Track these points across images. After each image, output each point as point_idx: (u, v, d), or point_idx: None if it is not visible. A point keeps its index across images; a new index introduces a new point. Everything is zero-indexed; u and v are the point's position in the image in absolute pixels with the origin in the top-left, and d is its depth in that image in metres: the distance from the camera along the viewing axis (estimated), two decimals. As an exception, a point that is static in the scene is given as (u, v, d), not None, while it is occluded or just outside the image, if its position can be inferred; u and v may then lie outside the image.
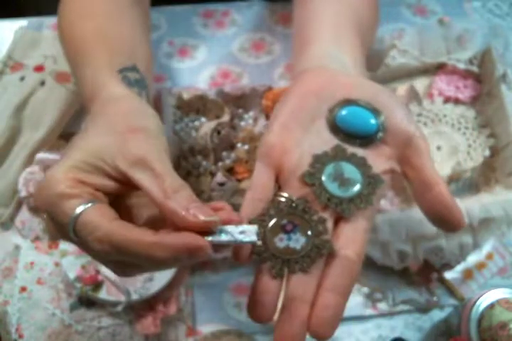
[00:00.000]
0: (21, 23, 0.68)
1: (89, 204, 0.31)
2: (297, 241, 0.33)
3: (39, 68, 0.63)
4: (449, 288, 0.58)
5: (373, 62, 0.62)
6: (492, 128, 0.61)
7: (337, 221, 0.35)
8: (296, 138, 0.36)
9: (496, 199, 0.54)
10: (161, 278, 0.53)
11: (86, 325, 0.52)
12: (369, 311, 0.57)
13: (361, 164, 0.35)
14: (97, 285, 0.52)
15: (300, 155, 0.36)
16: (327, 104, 0.37)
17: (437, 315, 0.58)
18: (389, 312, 0.57)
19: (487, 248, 0.60)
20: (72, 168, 0.32)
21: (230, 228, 0.31)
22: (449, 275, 0.58)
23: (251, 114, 0.62)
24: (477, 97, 0.63)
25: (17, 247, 0.56)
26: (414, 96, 0.63)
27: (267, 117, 0.61)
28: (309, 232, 0.33)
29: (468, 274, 0.59)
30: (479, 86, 0.63)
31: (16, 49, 0.65)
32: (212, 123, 0.59)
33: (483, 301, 0.52)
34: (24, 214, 0.57)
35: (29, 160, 0.59)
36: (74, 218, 0.31)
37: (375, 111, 0.37)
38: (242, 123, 0.61)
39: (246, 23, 0.73)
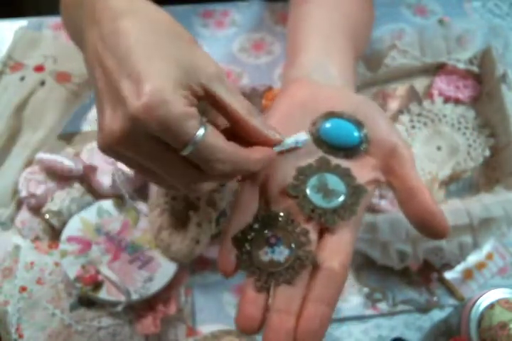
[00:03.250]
0: (21, 23, 0.68)
1: (207, 126, 0.31)
2: (281, 254, 0.34)
3: (39, 68, 0.63)
4: (449, 288, 0.58)
5: (373, 62, 0.62)
6: (492, 128, 0.61)
7: (321, 232, 0.35)
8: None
9: (496, 199, 0.54)
10: (161, 278, 0.54)
11: (86, 325, 0.52)
12: (369, 311, 0.57)
13: (345, 175, 0.36)
14: (97, 285, 0.52)
15: (284, 168, 0.36)
16: (311, 117, 0.38)
17: (437, 315, 0.58)
18: (389, 312, 0.57)
19: (487, 248, 0.60)
20: (177, 87, 0.30)
21: (289, 141, 0.36)
22: (449, 275, 0.58)
23: (251, 114, 0.62)
24: (477, 97, 0.63)
25: (17, 247, 0.56)
26: (414, 96, 0.63)
27: (267, 117, 0.61)
28: (292, 244, 0.34)
29: (468, 274, 0.59)
30: (479, 86, 0.63)
31: (16, 49, 0.65)
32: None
33: (483, 301, 0.52)
34: (24, 214, 0.57)
35: (29, 160, 0.59)
36: (199, 139, 0.30)
37: (358, 123, 0.37)
38: (242, 123, 0.61)
39: (246, 23, 0.73)
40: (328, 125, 0.37)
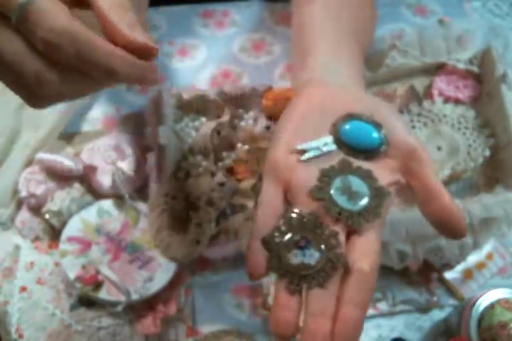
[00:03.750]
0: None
1: None
2: (311, 257, 0.33)
3: (39, 68, 0.63)
4: (449, 288, 0.58)
5: (373, 62, 0.62)
6: (492, 128, 0.61)
7: (348, 234, 0.35)
8: (301, 153, 0.36)
9: (496, 200, 0.54)
10: (161, 278, 0.54)
11: (86, 325, 0.52)
12: (369, 311, 0.57)
13: (367, 177, 0.36)
14: (97, 285, 0.52)
15: (307, 170, 0.36)
16: (330, 119, 0.38)
17: (437, 315, 0.58)
18: (389, 312, 0.57)
19: (487, 248, 0.60)
20: None
21: (313, 144, 0.35)
22: (449, 275, 0.58)
23: (251, 114, 0.62)
24: (477, 97, 0.63)
25: (17, 247, 0.56)
26: (414, 96, 0.63)
27: (267, 117, 0.61)
28: (322, 247, 0.33)
29: (468, 274, 0.59)
30: (479, 86, 0.63)
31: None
32: (212, 123, 0.58)
33: (483, 301, 0.52)
34: (24, 214, 0.57)
35: (29, 160, 0.59)
36: (24, 3, 0.26)
37: (377, 125, 0.37)
38: (242, 123, 0.61)
39: (246, 23, 0.73)
40: (347, 127, 0.37)
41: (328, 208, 0.34)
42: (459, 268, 0.59)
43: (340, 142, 0.37)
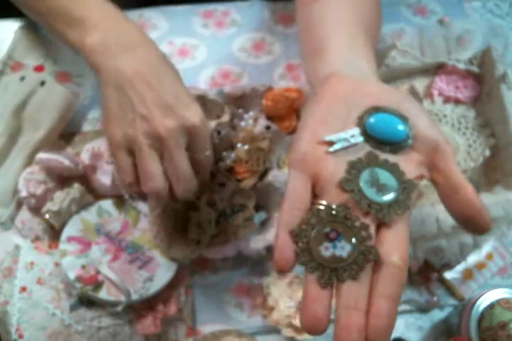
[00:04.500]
0: (21, 23, 0.68)
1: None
2: (343, 249, 0.33)
3: (39, 68, 0.63)
4: (449, 288, 0.58)
5: (373, 62, 0.62)
6: (492, 128, 0.61)
7: (377, 227, 0.35)
8: (329, 144, 0.36)
9: (496, 199, 0.54)
10: (161, 278, 0.54)
11: (86, 325, 0.52)
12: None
13: (394, 170, 0.36)
14: (97, 285, 0.52)
15: (335, 162, 0.36)
16: (355, 111, 0.38)
17: (437, 315, 0.58)
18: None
19: (487, 248, 0.60)
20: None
21: (341, 135, 0.36)
22: (449, 275, 0.58)
23: (251, 114, 0.62)
24: (477, 97, 0.63)
25: (17, 247, 0.56)
26: (414, 96, 0.63)
27: (267, 117, 0.61)
28: (353, 239, 0.33)
29: (468, 274, 0.59)
30: (479, 86, 0.63)
31: (16, 49, 0.65)
32: (213, 123, 0.59)
33: (483, 301, 0.52)
34: (24, 214, 0.57)
35: (29, 160, 0.59)
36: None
37: (403, 118, 0.37)
38: (242, 123, 0.61)
39: (246, 23, 0.73)
40: (374, 120, 0.37)
41: (358, 200, 0.34)
42: (459, 268, 0.59)
43: (366, 134, 0.37)
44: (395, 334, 0.56)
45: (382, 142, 0.37)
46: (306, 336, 0.53)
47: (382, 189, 0.35)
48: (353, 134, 0.36)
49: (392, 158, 0.36)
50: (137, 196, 0.58)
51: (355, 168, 0.35)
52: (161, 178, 0.46)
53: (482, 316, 0.51)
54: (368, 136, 0.37)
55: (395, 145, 0.37)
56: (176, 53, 0.70)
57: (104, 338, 0.52)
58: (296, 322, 0.53)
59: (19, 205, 0.58)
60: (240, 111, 0.62)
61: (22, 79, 0.62)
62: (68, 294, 0.53)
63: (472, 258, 0.59)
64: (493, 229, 0.54)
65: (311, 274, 0.32)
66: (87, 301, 0.53)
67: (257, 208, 0.57)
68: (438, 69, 0.64)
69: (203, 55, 0.71)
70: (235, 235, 0.55)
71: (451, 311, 0.57)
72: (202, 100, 0.61)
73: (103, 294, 0.52)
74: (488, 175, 0.60)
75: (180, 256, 0.54)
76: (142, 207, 0.57)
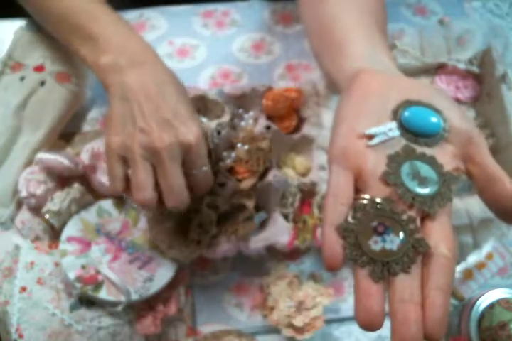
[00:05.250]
0: (21, 23, 0.68)
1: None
2: (392, 242, 0.33)
3: (39, 68, 0.63)
4: (449, 288, 0.58)
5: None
6: (492, 129, 0.61)
7: (421, 220, 0.35)
8: (369, 138, 0.37)
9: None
10: (161, 278, 0.54)
11: (86, 325, 0.52)
12: (369, 311, 0.57)
13: (432, 163, 0.36)
14: (97, 285, 0.52)
15: (375, 155, 0.36)
16: (389, 105, 0.38)
17: (437, 315, 0.58)
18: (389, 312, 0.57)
19: (487, 248, 0.60)
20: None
21: (380, 129, 0.36)
22: (449, 275, 0.58)
23: (251, 114, 0.62)
24: (477, 97, 0.63)
25: (17, 247, 0.56)
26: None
27: (267, 117, 0.61)
28: (401, 232, 0.33)
29: (468, 274, 0.59)
30: (479, 86, 0.63)
31: (16, 49, 0.65)
32: (213, 123, 0.59)
33: (483, 301, 0.52)
34: (24, 214, 0.57)
35: (29, 160, 0.59)
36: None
37: (437, 111, 0.38)
38: (242, 123, 0.61)
39: (246, 23, 0.73)
40: (408, 113, 0.37)
41: (403, 194, 0.34)
42: (459, 268, 0.59)
43: (402, 128, 0.37)
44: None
45: (417, 135, 0.37)
46: (306, 336, 0.53)
47: (423, 182, 0.35)
48: (391, 128, 0.36)
49: (428, 150, 0.36)
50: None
51: (395, 162, 0.35)
52: (150, 190, 0.47)
53: (482, 316, 0.51)
54: (404, 129, 0.37)
55: (430, 138, 0.37)
56: (175, 53, 0.70)
57: (104, 338, 0.52)
58: (296, 322, 0.53)
59: (19, 205, 0.58)
60: (240, 111, 0.62)
61: (22, 79, 0.62)
62: (68, 294, 0.53)
63: (472, 258, 0.59)
64: (493, 229, 0.54)
65: (362, 269, 0.32)
66: (87, 301, 0.53)
67: (257, 208, 0.57)
68: (438, 69, 0.64)
69: (202, 55, 0.71)
70: (235, 235, 0.55)
71: (451, 311, 0.57)
72: (202, 100, 0.61)
73: (103, 294, 0.52)
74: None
75: (180, 256, 0.54)
76: (142, 207, 0.57)
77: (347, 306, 0.58)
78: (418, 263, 0.33)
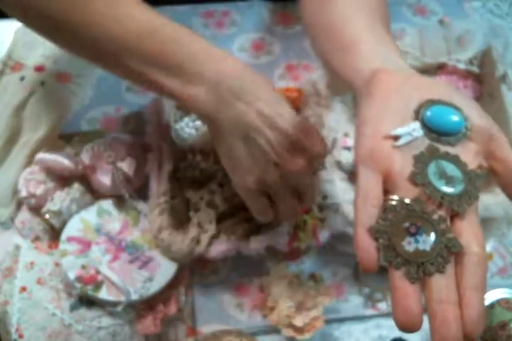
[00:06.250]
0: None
1: None
2: (425, 243, 0.33)
3: (39, 68, 0.63)
4: (449, 288, 0.58)
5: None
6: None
7: (451, 219, 0.35)
8: (394, 139, 0.37)
9: (496, 200, 0.54)
10: (161, 278, 0.54)
11: (86, 325, 0.52)
12: (369, 311, 0.57)
13: (457, 161, 0.36)
14: (97, 285, 0.52)
15: (401, 156, 0.36)
16: (410, 105, 0.38)
17: (437, 315, 0.58)
18: (389, 312, 0.57)
19: (487, 248, 0.60)
20: None
21: (405, 129, 0.36)
22: (449, 275, 0.58)
23: (251, 114, 0.62)
24: (477, 97, 0.63)
25: (17, 247, 0.56)
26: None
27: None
28: (433, 232, 0.33)
29: (468, 274, 0.59)
30: (479, 86, 0.63)
31: (16, 49, 0.65)
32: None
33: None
34: (24, 214, 0.57)
35: (29, 160, 0.59)
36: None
37: (458, 109, 0.38)
38: (242, 123, 0.61)
39: (246, 23, 0.73)
40: (430, 113, 0.37)
41: (431, 193, 0.34)
42: (459, 268, 0.59)
43: (424, 127, 0.37)
44: (395, 334, 0.56)
45: (440, 134, 0.37)
46: (306, 336, 0.53)
47: (450, 181, 0.35)
48: (415, 128, 0.36)
49: (451, 149, 0.36)
50: (137, 196, 0.58)
51: (421, 162, 0.35)
52: (298, 208, 0.51)
53: (482, 316, 0.51)
54: (427, 128, 0.37)
55: (453, 136, 0.37)
56: (176, 53, 0.70)
57: (104, 338, 0.52)
58: (296, 322, 0.53)
59: (19, 205, 0.58)
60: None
61: (22, 79, 0.62)
62: (68, 294, 0.53)
63: (472, 259, 0.59)
64: (493, 229, 0.54)
65: (398, 270, 0.32)
66: (87, 301, 0.53)
67: (257, 208, 0.57)
68: (438, 69, 0.64)
69: (203, 55, 0.70)
70: (235, 235, 0.55)
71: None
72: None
73: (103, 294, 0.52)
74: (488, 175, 0.60)
75: (180, 256, 0.54)
76: (142, 207, 0.57)
77: (347, 306, 0.58)
78: (452, 263, 0.33)
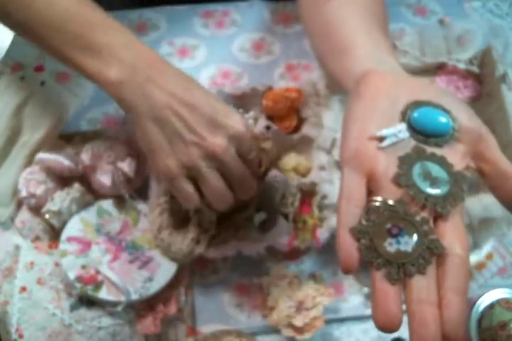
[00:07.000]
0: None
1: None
2: (407, 244, 0.33)
3: (39, 68, 0.63)
4: (449, 288, 0.58)
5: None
6: (492, 129, 0.60)
7: (434, 220, 0.35)
8: (379, 140, 0.37)
9: (496, 200, 0.54)
10: (161, 278, 0.54)
11: (86, 325, 0.52)
12: (369, 311, 0.57)
13: (443, 162, 0.36)
14: (97, 285, 0.52)
15: (386, 157, 0.36)
16: (398, 106, 0.38)
17: (437, 315, 0.58)
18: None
19: (487, 248, 0.60)
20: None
21: (390, 131, 0.36)
22: (449, 275, 0.58)
23: (251, 114, 0.62)
24: (477, 97, 0.63)
25: (17, 247, 0.56)
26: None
27: (267, 117, 0.61)
28: (415, 234, 0.33)
29: (468, 274, 0.59)
30: (479, 86, 0.63)
31: (16, 49, 0.65)
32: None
33: (483, 301, 0.52)
34: (24, 214, 0.57)
35: (29, 160, 0.59)
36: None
37: (446, 111, 0.38)
38: (242, 123, 0.61)
39: (246, 23, 0.73)
40: (417, 114, 0.37)
41: (415, 194, 0.34)
42: (459, 268, 0.59)
43: (411, 129, 0.37)
44: (394, 334, 0.56)
45: (427, 136, 0.37)
46: (306, 336, 0.53)
47: (435, 182, 0.35)
48: (400, 129, 0.36)
49: (438, 151, 0.36)
50: (137, 196, 0.58)
51: (405, 163, 0.35)
52: (230, 195, 0.49)
53: (482, 316, 0.51)
54: (413, 130, 0.37)
55: (440, 138, 0.37)
56: (175, 53, 0.70)
57: (104, 338, 0.52)
58: (296, 322, 0.53)
59: (19, 205, 0.58)
60: (240, 111, 0.62)
61: (22, 79, 0.62)
62: (68, 294, 0.53)
63: (472, 259, 0.59)
64: (493, 229, 0.54)
65: (378, 271, 0.32)
66: (87, 301, 0.53)
67: (257, 208, 0.57)
68: (438, 69, 0.64)
69: (202, 55, 0.71)
70: (235, 235, 0.55)
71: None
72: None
73: (103, 294, 0.52)
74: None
75: (180, 256, 0.54)
76: (142, 207, 0.57)
77: (347, 306, 0.58)
78: (433, 264, 0.33)
